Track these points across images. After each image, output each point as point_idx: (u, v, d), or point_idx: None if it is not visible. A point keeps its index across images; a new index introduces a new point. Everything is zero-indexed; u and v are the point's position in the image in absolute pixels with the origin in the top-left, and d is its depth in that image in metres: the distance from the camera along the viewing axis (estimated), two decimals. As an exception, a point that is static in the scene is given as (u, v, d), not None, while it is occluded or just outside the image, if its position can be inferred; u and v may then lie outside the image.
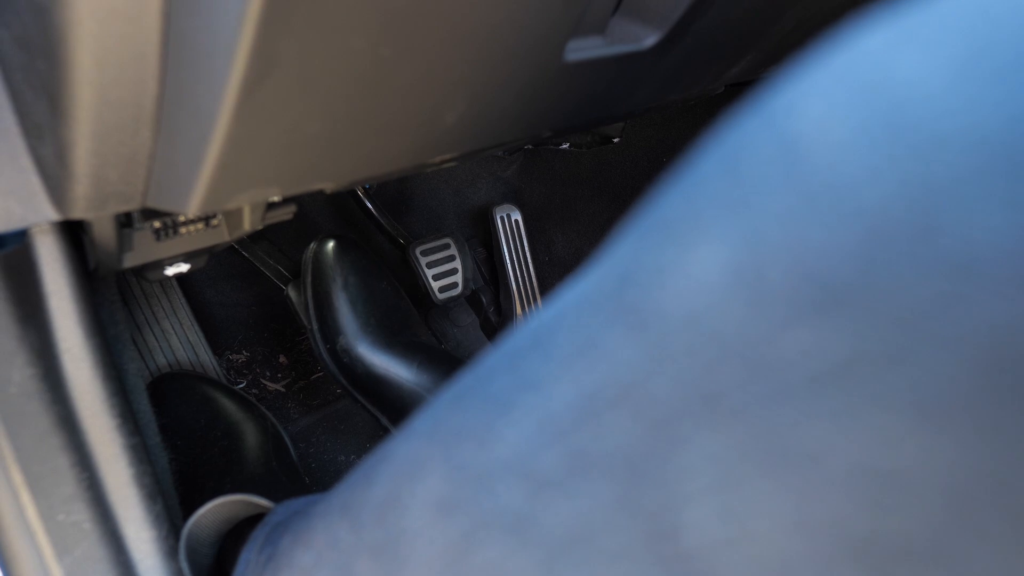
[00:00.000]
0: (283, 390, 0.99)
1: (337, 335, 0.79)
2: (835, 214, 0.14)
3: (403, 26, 0.29)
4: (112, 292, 0.51)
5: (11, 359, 0.38)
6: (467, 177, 1.15)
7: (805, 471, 0.15)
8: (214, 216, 0.46)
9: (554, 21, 0.34)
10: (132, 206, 0.36)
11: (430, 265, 0.97)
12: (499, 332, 1.07)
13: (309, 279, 0.80)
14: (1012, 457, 0.13)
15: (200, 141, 0.30)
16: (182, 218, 0.45)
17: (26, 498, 0.39)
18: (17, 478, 0.39)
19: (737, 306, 0.15)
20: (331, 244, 0.81)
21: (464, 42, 0.31)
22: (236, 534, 0.52)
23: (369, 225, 1.07)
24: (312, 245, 0.81)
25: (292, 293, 0.85)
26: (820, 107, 0.15)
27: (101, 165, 0.33)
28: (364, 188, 1.03)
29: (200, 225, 0.46)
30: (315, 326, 0.81)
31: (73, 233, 0.43)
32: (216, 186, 0.33)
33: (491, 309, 1.08)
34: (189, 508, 0.51)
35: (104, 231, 0.41)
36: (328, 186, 0.39)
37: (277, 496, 0.52)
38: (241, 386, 0.96)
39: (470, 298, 1.08)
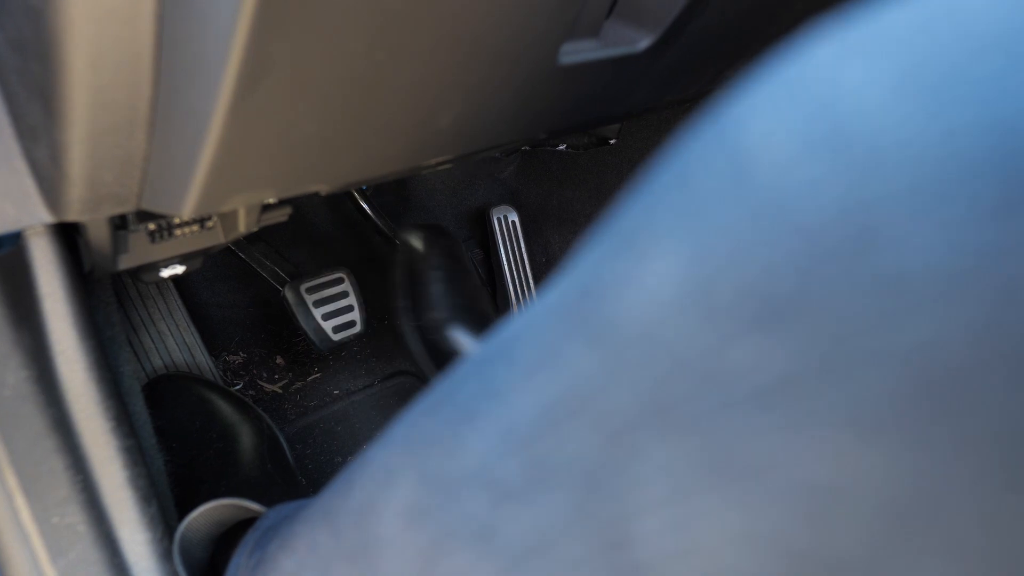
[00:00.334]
0: (280, 391, 0.99)
1: (426, 312, 0.85)
2: (777, 229, 0.14)
3: (397, 30, 0.29)
4: (107, 294, 0.51)
5: (5, 362, 0.38)
6: (464, 178, 1.15)
7: (750, 484, 0.15)
8: (209, 218, 0.46)
9: (548, 25, 0.34)
10: (127, 208, 0.36)
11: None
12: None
13: (403, 260, 0.87)
14: (942, 473, 0.13)
15: (194, 144, 0.30)
16: (177, 220, 0.45)
17: (20, 501, 0.39)
18: (11, 481, 0.39)
19: (687, 319, 0.15)
20: (425, 230, 0.88)
21: (458, 46, 0.31)
22: (229, 537, 0.52)
23: (366, 227, 1.07)
24: (407, 232, 0.88)
25: (289, 294, 0.85)
26: (766, 121, 0.15)
27: (96, 167, 0.33)
28: (361, 190, 1.03)
29: (195, 227, 0.46)
30: (406, 304, 0.87)
31: (68, 235, 0.43)
32: (211, 188, 0.33)
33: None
34: (185, 510, 0.51)
35: (99, 233, 0.41)
36: (323, 188, 0.39)
37: (271, 499, 0.52)
38: (238, 387, 0.96)
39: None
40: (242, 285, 1.00)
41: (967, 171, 0.13)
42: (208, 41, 0.26)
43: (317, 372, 1.01)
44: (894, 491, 0.13)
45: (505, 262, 1.06)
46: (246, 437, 0.71)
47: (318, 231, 1.05)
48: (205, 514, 0.49)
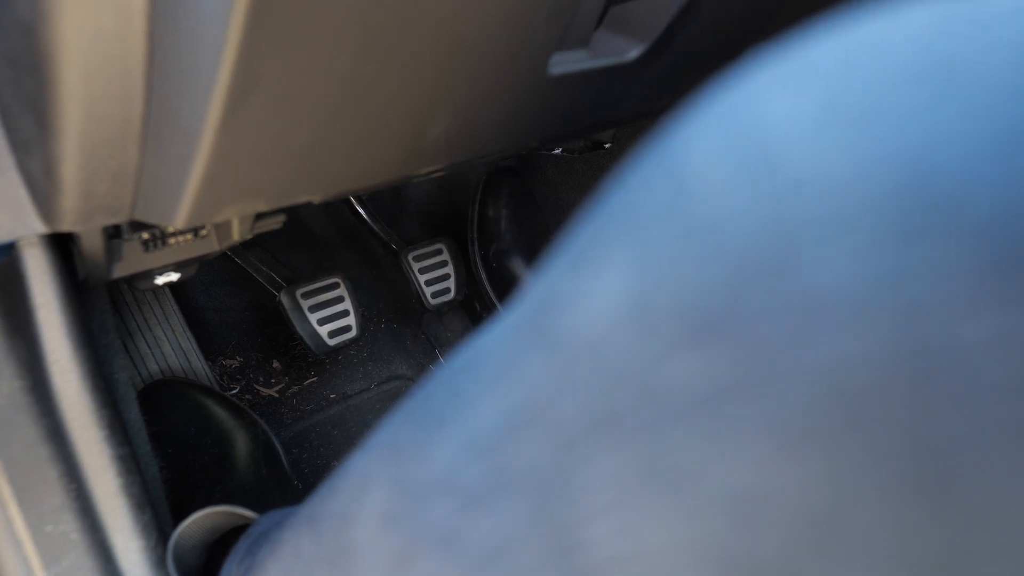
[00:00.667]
0: (276, 396, 0.99)
1: (492, 243, 0.96)
2: (708, 249, 0.15)
3: (386, 43, 0.29)
4: (102, 301, 0.51)
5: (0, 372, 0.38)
6: (461, 181, 1.16)
7: (686, 491, 0.15)
8: (203, 227, 0.46)
9: (536, 36, 0.35)
10: (120, 219, 0.36)
11: (422, 271, 0.98)
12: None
13: (478, 196, 0.98)
14: (855, 484, 0.14)
15: (186, 156, 0.30)
16: (171, 229, 0.45)
17: (14, 509, 0.39)
18: (5, 490, 0.39)
19: (629, 333, 0.16)
20: (498, 171, 0.99)
21: (447, 58, 0.32)
22: (222, 544, 0.53)
23: (362, 230, 1.08)
24: (482, 174, 0.98)
25: (285, 299, 0.85)
26: (702, 147, 0.16)
27: (89, 179, 0.33)
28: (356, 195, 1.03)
29: (189, 236, 0.46)
30: (475, 236, 0.98)
31: (62, 244, 0.43)
32: (202, 200, 0.33)
33: (484, 314, 1.09)
34: (180, 516, 0.52)
35: (92, 243, 0.41)
36: (315, 198, 0.39)
37: (266, 505, 0.52)
38: (234, 392, 0.96)
39: (463, 303, 1.08)
40: (238, 289, 1.00)
41: (875, 200, 0.13)
42: (198, 56, 0.27)
43: (313, 376, 1.01)
44: (813, 499, 0.14)
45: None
46: (241, 442, 0.72)
47: (314, 236, 1.05)
48: (199, 521, 0.49)
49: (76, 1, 0.26)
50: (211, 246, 0.48)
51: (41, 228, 0.36)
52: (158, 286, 0.53)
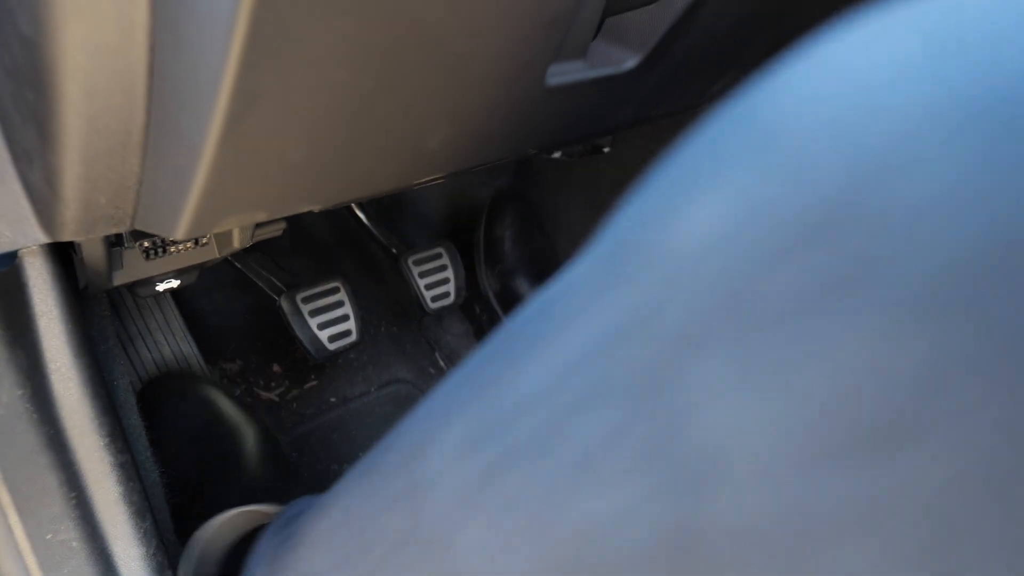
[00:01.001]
0: (276, 399, 0.99)
1: (496, 264, 1.03)
2: (823, 159, 0.17)
3: (385, 58, 0.30)
4: (103, 308, 0.51)
5: (0, 380, 0.38)
6: (460, 185, 1.16)
7: (795, 377, 0.17)
8: (204, 235, 0.47)
9: (534, 49, 0.35)
10: (121, 229, 0.37)
11: (422, 275, 0.98)
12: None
13: (484, 219, 1.05)
14: (988, 350, 0.15)
15: (187, 169, 0.31)
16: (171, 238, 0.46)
17: (14, 518, 0.39)
18: (5, 498, 0.39)
19: (742, 240, 0.18)
20: (498, 194, 1.06)
21: (445, 71, 0.32)
22: (242, 545, 0.53)
23: (362, 234, 1.08)
24: (487, 198, 1.06)
25: (285, 304, 0.86)
26: (793, 97, 0.18)
27: (90, 190, 0.33)
28: (356, 199, 1.03)
29: (189, 244, 0.46)
30: (481, 257, 1.05)
31: (63, 252, 0.43)
32: (204, 211, 0.33)
33: (484, 317, 1.09)
34: (188, 514, 0.52)
35: (93, 251, 0.41)
36: (315, 207, 0.39)
37: (279, 501, 0.52)
38: (235, 395, 0.96)
39: (463, 307, 1.08)
40: (239, 293, 1.01)
41: (962, 120, 0.16)
42: (200, 70, 0.27)
43: (314, 380, 1.01)
44: (920, 370, 0.16)
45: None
46: (250, 438, 0.72)
47: (314, 240, 1.05)
48: (226, 523, 0.49)
49: (78, 15, 0.26)
50: (212, 254, 0.48)
51: (42, 238, 0.36)
52: (159, 292, 0.54)
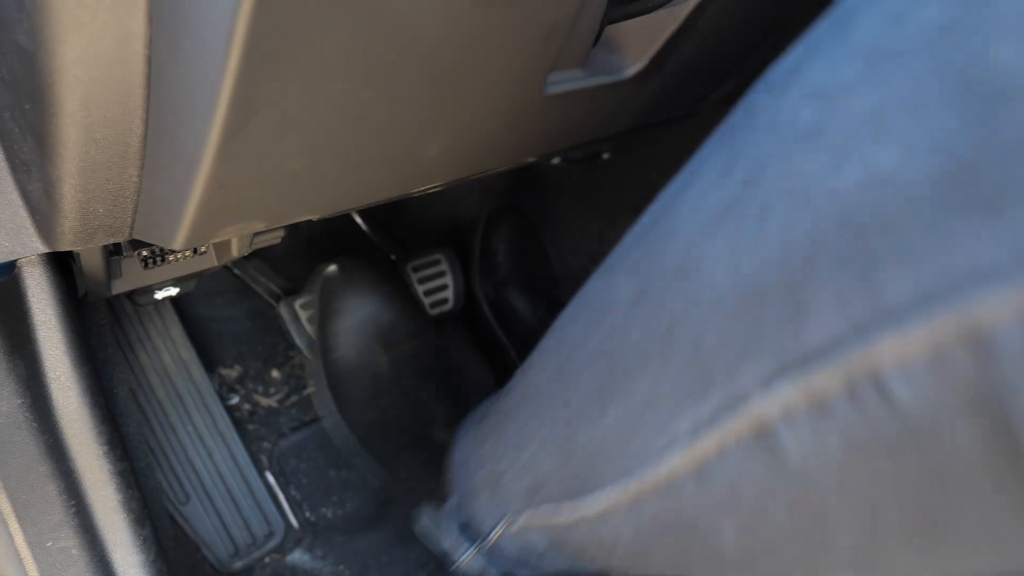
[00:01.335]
0: (276, 405, 0.99)
1: (491, 274, 1.04)
2: None
3: (383, 68, 0.30)
4: (102, 316, 0.51)
5: (0, 390, 0.38)
6: (459, 191, 1.16)
7: None
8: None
9: (533, 58, 0.35)
10: (119, 239, 0.37)
11: (421, 281, 0.98)
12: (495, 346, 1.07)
13: (480, 231, 1.06)
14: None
15: (185, 180, 0.31)
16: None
17: (15, 526, 0.39)
18: (6, 506, 0.39)
19: None
20: (495, 207, 1.08)
21: (442, 81, 0.32)
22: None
23: (361, 241, 1.08)
24: (485, 210, 1.08)
25: (283, 310, 0.86)
26: None
27: (88, 201, 0.33)
28: (356, 204, 1.03)
29: (188, 253, 0.46)
30: (477, 268, 1.05)
31: (62, 261, 0.43)
32: (202, 222, 0.33)
33: (480, 325, 1.09)
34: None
35: (92, 260, 0.41)
36: (313, 217, 0.39)
37: None
38: (233, 401, 0.96)
39: (461, 313, 1.08)
40: (239, 299, 1.00)
41: None
42: (198, 82, 0.27)
43: (312, 386, 1.01)
44: None
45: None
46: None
47: (313, 247, 1.05)
48: None
49: (75, 27, 0.26)
50: (210, 262, 0.48)
51: (41, 248, 0.36)
52: (158, 300, 0.54)
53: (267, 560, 0.79)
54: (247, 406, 0.97)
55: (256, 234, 0.49)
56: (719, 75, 0.55)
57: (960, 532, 0.22)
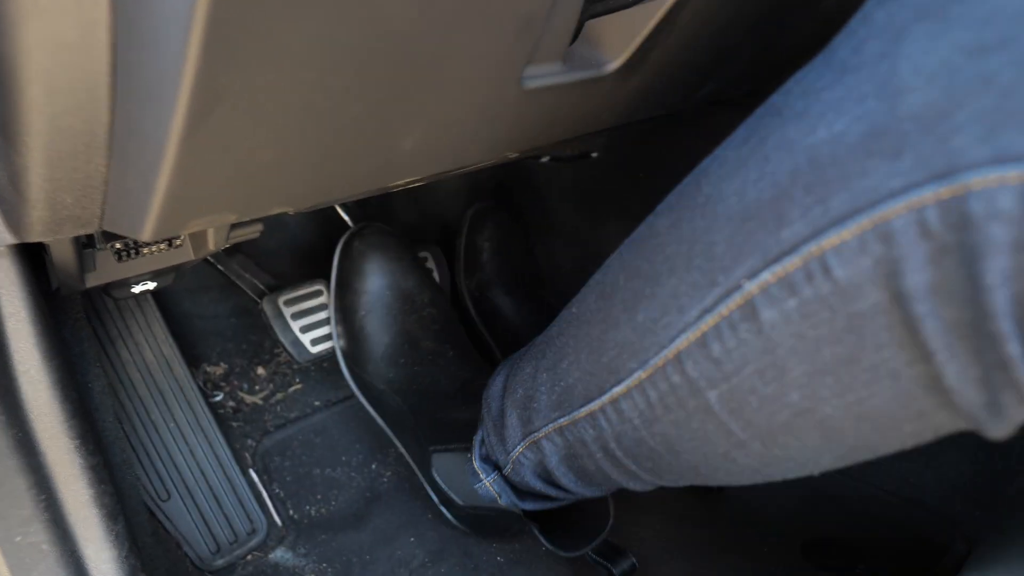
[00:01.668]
0: (260, 402, 0.99)
1: (475, 273, 1.04)
2: None
3: (352, 58, 0.29)
4: (76, 310, 0.51)
5: (-34, 382, 0.38)
6: (448, 188, 1.16)
7: None
8: (178, 236, 0.46)
9: (507, 49, 0.35)
10: (89, 230, 0.36)
11: (408, 277, 0.97)
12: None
13: (465, 229, 1.05)
14: None
15: (151, 169, 0.30)
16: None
17: (-19, 521, 0.39)
18: (-28, 501, 0.39)
19: None
20: (480, 205, 1.06)
21: (415, 72, 0.32)
22: None
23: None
24: (470, 208, 1.07)
25: (267, 307, 0.85)
26: None
27: (55, 191, 0.33)
28: (342, 201, 1.03)
29: (163, 246, 0.46)
30: (461, 267, 1.05)
31: (34, 253, 0.43)
32: (169, 212, 0.33)
33: (465, 322, 1.09)
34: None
35: (63, 253, 0.41)
36: (288, 210, 0.39)
37: None
38: (218, 398, 0.96)
39: (449, 310, 1.08)
40: (223, 295, 1.00)
41: None
42: (160, 70, 0.27)
43: (298, 383, 1.01)
44: None
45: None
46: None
47: (297, 241, 1.05)
48: None
49: (37, 12, 0.25)
50: (186, 255, 0.48)
51: (9, 239, 0.36)
52: (135, 294, 0.53)
53: (249, 558, 0.79)
54: (232, 403, 0.96)
55: (233, 227, 0.48)
56: (702, 73, 0.55)
57: (866, 366, 0.33)
